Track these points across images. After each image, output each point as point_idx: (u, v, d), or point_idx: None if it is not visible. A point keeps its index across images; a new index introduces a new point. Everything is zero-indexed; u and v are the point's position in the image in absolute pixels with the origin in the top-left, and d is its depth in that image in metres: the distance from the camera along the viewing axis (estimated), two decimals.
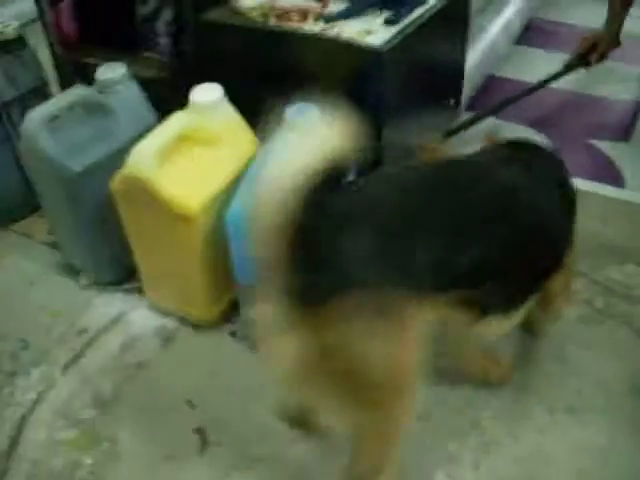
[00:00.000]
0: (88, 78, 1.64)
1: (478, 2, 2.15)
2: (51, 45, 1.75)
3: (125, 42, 1.66)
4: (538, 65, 2.43)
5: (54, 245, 1.68)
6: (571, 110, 2.28)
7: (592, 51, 2.15)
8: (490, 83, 2.33)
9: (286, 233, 0.78)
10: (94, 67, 1.59)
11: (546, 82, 2.18)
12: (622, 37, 2.20)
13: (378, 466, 1.01)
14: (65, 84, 1.71)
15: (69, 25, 1.73)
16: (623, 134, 2.17)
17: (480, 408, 1.29)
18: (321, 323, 0.84)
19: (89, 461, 1.24)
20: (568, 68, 2.21)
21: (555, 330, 1.41)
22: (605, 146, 2.10)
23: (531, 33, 2.72)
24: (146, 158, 1.26)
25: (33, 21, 1.79)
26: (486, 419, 1.27)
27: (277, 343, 0.86)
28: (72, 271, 1.61)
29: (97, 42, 1.70)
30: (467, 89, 2.08)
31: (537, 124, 2.16)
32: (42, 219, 1.71)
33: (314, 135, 0.80)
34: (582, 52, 2.18)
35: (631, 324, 1.47)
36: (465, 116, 2.05)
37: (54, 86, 1.78)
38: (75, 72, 1.71)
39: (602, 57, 2.18)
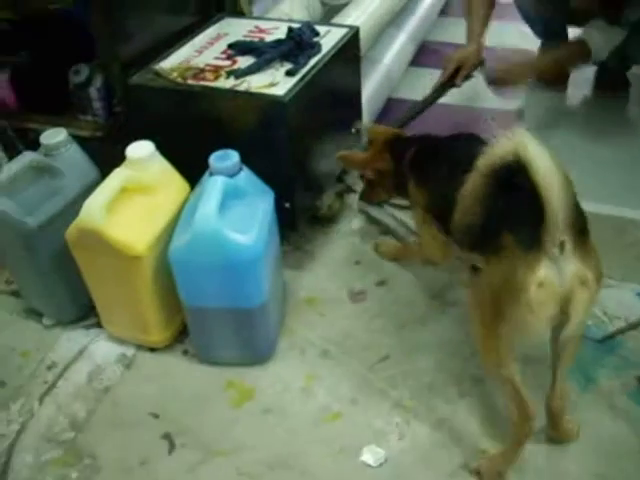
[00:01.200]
0: (27, 141, 1.85)
1: (369, 39, 2.41)
2: None
3: (60, 107, 1.87)
4: (426, 83, 2.58)
5: (14, 293, 1.86)
6: (455, 123, 2.48)
7: (457, 73, 2.32)
8: (388, 105, 2.57)
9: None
10: (33, 132, 1.81)
11: (411, 116, 2.36)
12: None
13: None
14: (8, 148, 1.89)
15: (8, 95, 1.92)
16: None
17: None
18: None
19: (75, 475, 1.43)
20: (437, 93, 2.38)
21: None
22: None
23: (420, 54, 2.99)
24: (95, 210, 1.47)
25: None
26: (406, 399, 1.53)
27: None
28: (35, 314, 1.79)
29: (34, 109, 1.90)
30: (369, 115, 2.32)
31: None
32: None
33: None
34: (447, 78, 2.35)
35: None
36: None
37: None
38: (16, 137, 1.91)
39: (467, 77, 2.36)
